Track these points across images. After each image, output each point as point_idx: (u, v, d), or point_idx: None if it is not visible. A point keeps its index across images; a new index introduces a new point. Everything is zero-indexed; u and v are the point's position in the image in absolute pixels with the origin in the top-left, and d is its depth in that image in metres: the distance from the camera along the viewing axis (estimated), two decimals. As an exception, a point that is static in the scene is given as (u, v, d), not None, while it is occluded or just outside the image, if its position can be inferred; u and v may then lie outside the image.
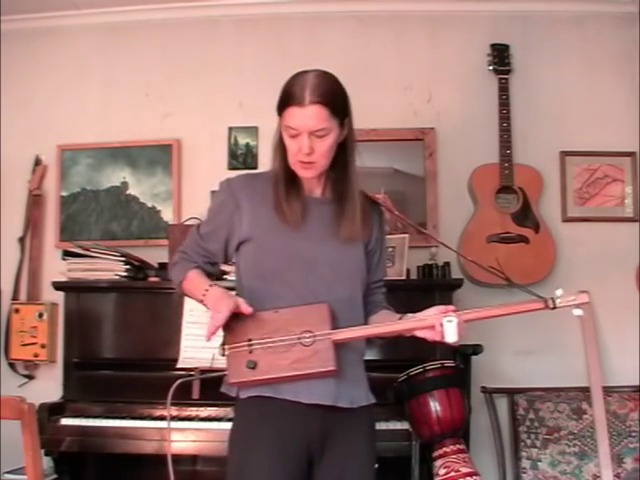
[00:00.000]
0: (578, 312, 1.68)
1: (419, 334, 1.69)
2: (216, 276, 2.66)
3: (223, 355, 1.68)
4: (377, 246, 1.87)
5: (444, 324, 1.62)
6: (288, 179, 1.77)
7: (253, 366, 1.64)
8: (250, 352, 1.65)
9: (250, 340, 1.66)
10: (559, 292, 1.67)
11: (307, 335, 1.65)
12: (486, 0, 3.42)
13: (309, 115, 1.66)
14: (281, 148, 1.76)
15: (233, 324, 1.67)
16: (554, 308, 1.66)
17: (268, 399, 1.67)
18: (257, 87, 3.32)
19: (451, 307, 1.67)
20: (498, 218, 3.21)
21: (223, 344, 1.68)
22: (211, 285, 1.75)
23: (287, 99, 1.68)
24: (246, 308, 1.65)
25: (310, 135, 1.67)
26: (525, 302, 1.69)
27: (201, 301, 1.76)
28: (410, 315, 1.73)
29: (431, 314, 1.67)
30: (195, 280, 1.80)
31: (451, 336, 1.62)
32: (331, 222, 1.78)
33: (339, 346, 1.67)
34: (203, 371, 2.74)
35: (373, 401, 1.80)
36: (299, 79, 1.69)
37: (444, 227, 3.29)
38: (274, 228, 1.74)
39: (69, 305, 3.04)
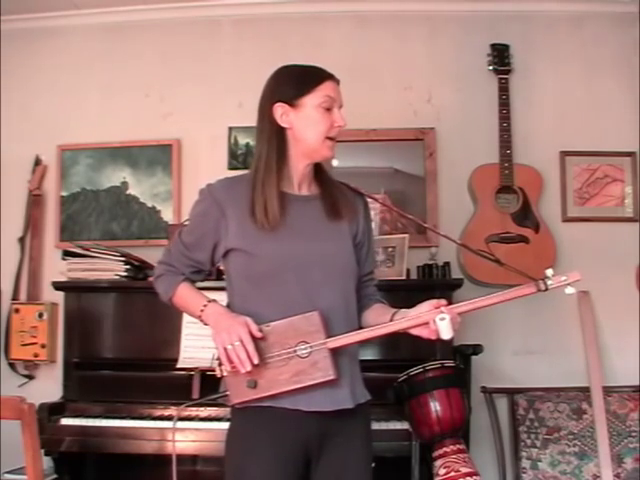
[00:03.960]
0: (570, 290, 1.65)
1: (414, 332, 1.68)
2: (214, 276, 2.66)
3: (221, 375, 1.67)
4: (364, 238, 1.87)
5: (437, 322, 1.61)
6: (274, 173, 1.73)
7: (254, 385, 1.64)
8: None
9: None
10: (549, 272, 1.64)
11: (303, 346, 1.64)
12: (486, 0, 3.42)
13: (339, 91, 1.78)
14: (278, 136, 1.75)
15: None
16: (546, 290, 1.63)
17: (267, 408, 1.67)
18: (257, 87, 3.29)
19: (443, 301, 1.65)
20: (498, 218, 3.21)
21: (220, 364, 1.67)
22: (210, 301, 1.75)
23: (324, 74, 1.77)
24: (257, 333, 1.65)
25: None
26: (517, 288, 1.66)
27: (198, 317, 1.76)
28: (404, 311, 1.72)
29: (424, 310, 1.66)
30: (188, 295, 1.79)
31: (446, 333, 1.61)
32: (319, 218, 1.77)
33: (336, 351, 1.67)
34: (202, 371, 2.74)
35: (369, 397, 1.80)
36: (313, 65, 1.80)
37: (444, 227, 3.28)
38: (261, 233, 1.71)
39: (69, 305, 3.04)
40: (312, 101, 1.73)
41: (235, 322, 1.65)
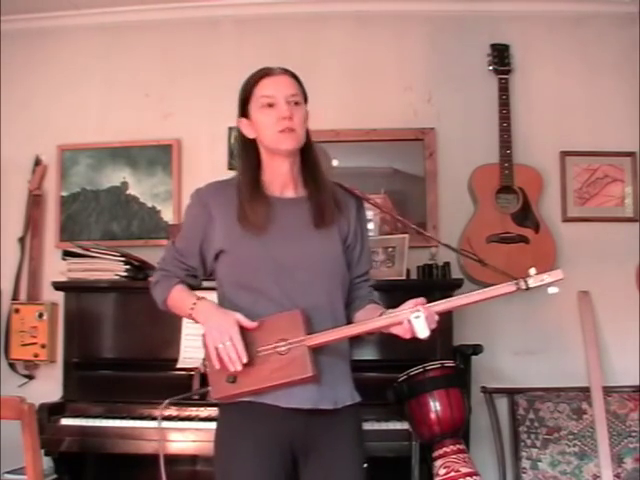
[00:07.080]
0: (553, 290, 1.59)
1: (393, 331, 1.66)
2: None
3: (205, 371, 1.70)
4: (356, 239, 1.85)
5: (412, 321, 1.59)
6: (254, 182, 1.77)
7: (233, 380, 1.66)
8: None
9: None
10: (532, 271, 1.58)
11: (282, 344, 1.65)
12: (486, 0, 3.42)
13: (282, 81, 1.76)
14: (246, 148, 1.80)
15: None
16: (527, 289, 1.58)
17: (249, 403, 1.68)
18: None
19: (420, 300, 1.63)
20: (498, 218, 3.21)
21: (204, 359, 1.69)
22: (199, 298, 1.76)
23: (257, 76, 1.77)
24: (250, 324, 1.66)
25: (286, 102, 1.74)
26: (496, 287, 1.62)
27: (189, 315, 1.77)
28: (390, 311, 1.69)
29: (404, 309, 1.63)
30: (180, 295, 1.80)
31: (422, 331, 1.59)
32: (305, 221, 1.77)
33: (318, 349, 1.67)
34: (201, 374, 2.74)
35: (358, 400, 1.79)
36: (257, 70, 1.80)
37: (444, 227, 3.29)
38: (246, 236, 1.72)
39: (69, 305, 3.04)
40: (254, 106, 1.77)
41: (225, 320, 1.67)
